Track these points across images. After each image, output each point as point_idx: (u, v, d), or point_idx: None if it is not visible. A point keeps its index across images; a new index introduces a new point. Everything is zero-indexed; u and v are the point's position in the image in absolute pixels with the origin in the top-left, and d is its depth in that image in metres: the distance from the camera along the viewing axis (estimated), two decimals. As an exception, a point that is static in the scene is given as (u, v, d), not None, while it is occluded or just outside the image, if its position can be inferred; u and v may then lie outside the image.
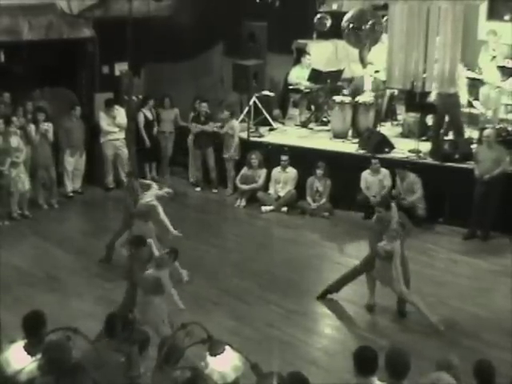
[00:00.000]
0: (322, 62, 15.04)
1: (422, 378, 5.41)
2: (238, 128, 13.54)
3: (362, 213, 12.25)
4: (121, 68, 14.09)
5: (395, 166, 12.18)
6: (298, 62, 15.07)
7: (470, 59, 13.56)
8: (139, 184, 10.02)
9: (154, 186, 10.41)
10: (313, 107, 14.76)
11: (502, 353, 7.75)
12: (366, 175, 12.29)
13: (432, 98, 12.89)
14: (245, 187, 13.09)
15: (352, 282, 9.52)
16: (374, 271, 9.07)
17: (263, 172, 13.14)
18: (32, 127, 12.43)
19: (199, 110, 13.68)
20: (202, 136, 13.62)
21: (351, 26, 14.04)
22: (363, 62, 14.62)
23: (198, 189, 13.85)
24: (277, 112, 14.96)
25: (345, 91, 14.37)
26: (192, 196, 13.81)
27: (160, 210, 9.95)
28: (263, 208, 12.87)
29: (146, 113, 13.97)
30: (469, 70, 13.53)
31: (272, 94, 14.64)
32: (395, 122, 14.54)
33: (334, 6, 16.00)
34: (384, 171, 12.24)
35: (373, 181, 12.25)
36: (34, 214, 12.30)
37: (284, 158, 12.90)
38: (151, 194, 10.06)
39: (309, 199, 12.67)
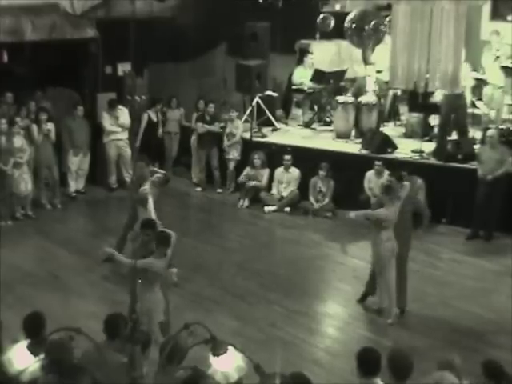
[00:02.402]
0: (324, 62, 15.03)
1: (425, 378, 5.41)
2: (241, 128, 13.56)
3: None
4: (124, 68, 14.10)
5: (401, 169, 12.09)
6: (300, 62, 15.06)
7: (473, 59, 13.54)
8: (149, 171, 10.12)
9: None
10: (316, 107, 14.76)
11: (505, 353, 7.72)
12: (370, 175, 12.25)
13: (436, 98, 12.88)
14: (249, 182, 12.99)
15: (354, 282, 9.51)
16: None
17: (266, 172, 13.13)
18: (34, 127, 12.45)
19: (205, 110, 13.67)
20: (206, 136, 13.61)
21: (354, 26, 14.05)
22: (366, 62, 14.61)
23: (199, 189, 13.84)
24: (280, 112, 14.96)
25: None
26: (195, 196, 13.81)
27: (150, 199, 9.90)
28: (266, 208, 12.87)
29: (151, 114, 13.97)
30: (473, 70, 13.51)
31: (275, 95, 14.61)
32: (398, 122, 14.53)
33: (337, 7, 16.00)
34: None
35: (376, 183, 12.21)
36: (37, 214, 12.30)
37: (287, 158, 12.90)
38: (148, 182, 10.10)
39: (312, 199, 12.66)
